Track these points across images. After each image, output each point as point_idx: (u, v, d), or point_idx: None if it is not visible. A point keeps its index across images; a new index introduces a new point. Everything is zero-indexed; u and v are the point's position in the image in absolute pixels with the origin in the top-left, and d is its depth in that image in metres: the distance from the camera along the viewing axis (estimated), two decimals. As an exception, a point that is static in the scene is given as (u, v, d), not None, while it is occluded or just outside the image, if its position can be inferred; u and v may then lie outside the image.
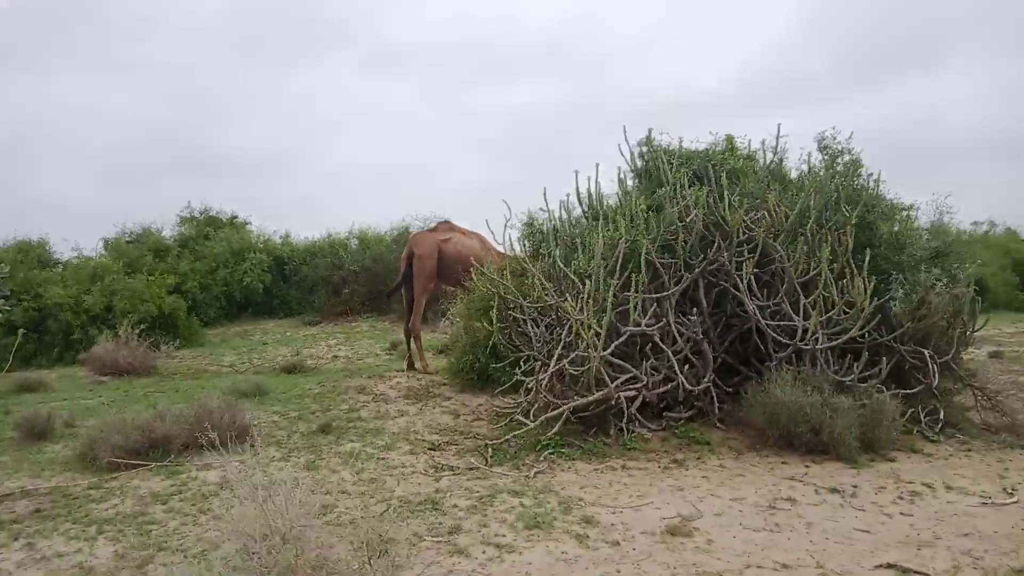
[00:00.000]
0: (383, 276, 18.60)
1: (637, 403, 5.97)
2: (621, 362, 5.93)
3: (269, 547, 2.53)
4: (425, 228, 9.92)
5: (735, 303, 6.61)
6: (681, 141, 7.21)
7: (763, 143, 7.41)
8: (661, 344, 6.00)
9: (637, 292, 5.73)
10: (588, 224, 6.76)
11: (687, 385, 5.94)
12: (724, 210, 6.12)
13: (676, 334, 6.07)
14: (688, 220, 6.18)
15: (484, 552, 3.76)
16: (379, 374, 9.04)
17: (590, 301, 5.84)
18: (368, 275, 18.57)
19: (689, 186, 6.61)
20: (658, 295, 6.12)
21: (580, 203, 7.09)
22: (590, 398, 5.76)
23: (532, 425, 5.76)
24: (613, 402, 5.81)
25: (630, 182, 7.47)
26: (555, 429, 5.73)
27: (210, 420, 5.98)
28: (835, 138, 8.50)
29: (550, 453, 5.57)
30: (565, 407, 5.76)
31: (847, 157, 8.12)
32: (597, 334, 5.67)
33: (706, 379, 6.22)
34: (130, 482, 5.18)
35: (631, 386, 5.94)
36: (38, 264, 16.12)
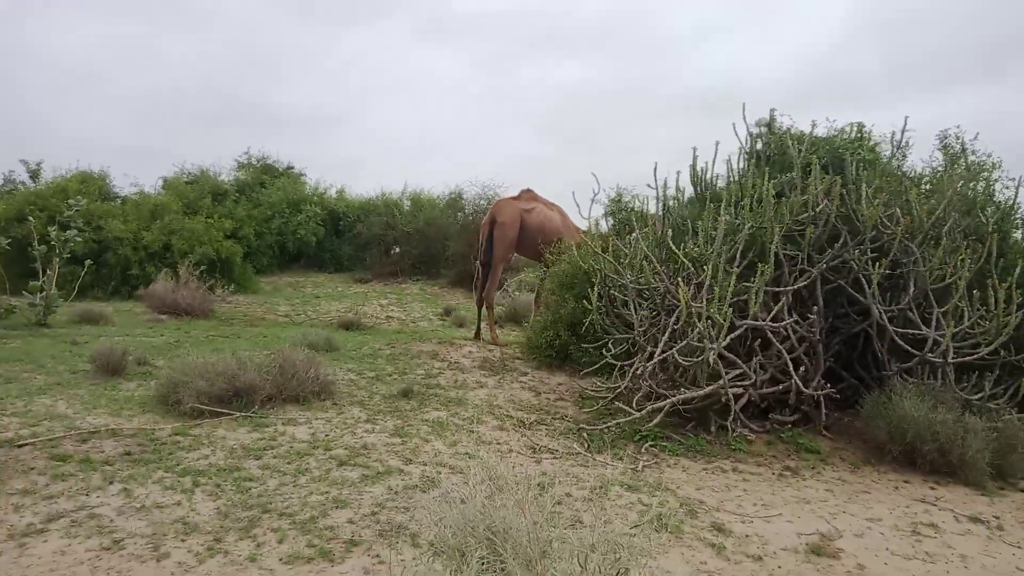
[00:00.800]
0: (436, 240, 18.36)
1: (743, 401, 5.60)
2: (734, 357, 5.55)
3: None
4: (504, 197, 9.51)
5: (848, 304, 6.17)
6: (813, 125, 6.69)
7: (891, 136, 6.87)
8: (775, 342, 5.60)
9: (760, 284, 5.32)
10: (702, 207, 6.33)
11: (801, 387, 5.55)
12: (860, 203, 5.65)
13: (791, 333, 5.66)
14: (819, 210, 5.72)
15: (615, 552, 3.45)
16: (448, 340, 8.76)
17: (707, 289, 5.45)
18: (421, 238, 18.30)
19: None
20: (776, 289, 5.70)
21: (695, 183, 6.66)
22: (700, 392, 5.40)
23: (637, 414, 5.42)
24: (722, 399, 5.45)
25: (737, 164, 6.99)
26: (656, 420, 5.39)
27: (295, 373, 5.75)
28: (958, 137, 7.94)
29: (651, 445, 5.24)
30: (672, 398, 5.42)
31: (971, 158, 7.58)
32: (714, 324, 5.29)
33: (814, 383, 5.82)
34: (215, 431, 4.96)
35: (739, 383, 5.56)
36: (99, 196, 16.09)
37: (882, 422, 5.26)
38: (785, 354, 5.57)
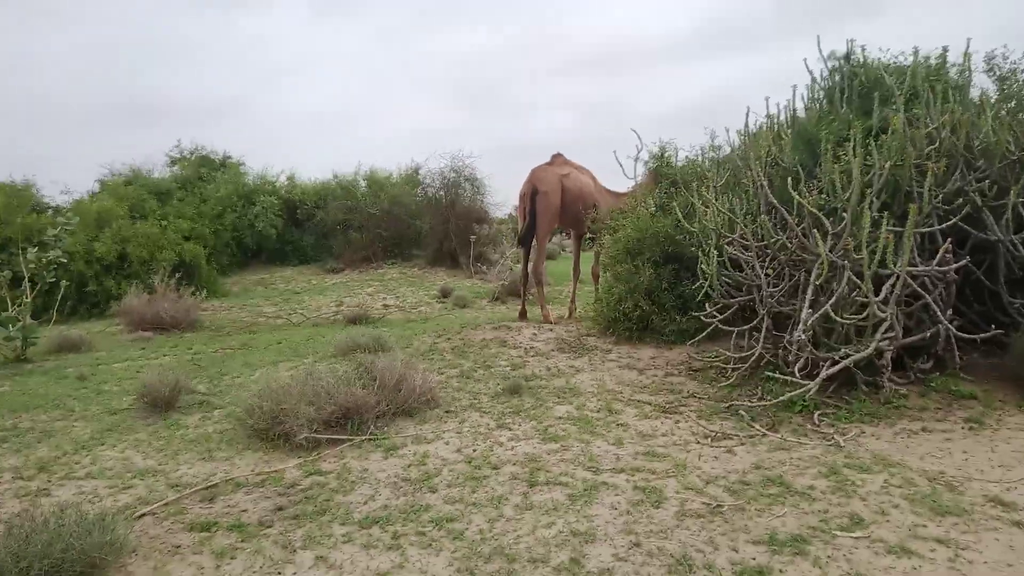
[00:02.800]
0: (403, 220, 17.50)
1: (890, 354, 5.25)
2: (882, 307, 5.16)
3: None
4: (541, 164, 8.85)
5: (959, 244, 5.89)
6: (893, 55, 6.32)
7: (988, 60, 6.57)
8: (920, 290, 5.25)
9: (911, 228, 4.92)
10: (802, 150, 5.88)
11: (953, 331, 5.24)
12: (985, 131, 5.32)
13: (932, 277, 5.32)
14: (943, 144, 5.37)
15: (933, 551, 2.99)
16: (501, 324, 8.11)
17: (844, 238, 5.04)
18: (389, 219, 17.37)
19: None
20: (923, 230, 5.33)
21: (777, 127, 6.21)
22: (868, 350, 4.98)
23: (810, 384, 4.96)
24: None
25: (816, 102, 6.59)
26: (813, 388, 4.96)
27: (402, 384, 5.04)
28: (1006, 57, 7.77)
29: (820, 415, 4.82)
30: (846, 360, 4.99)
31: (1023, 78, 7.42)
32: (861, 277, 4.88)
33: (944, 324, 5.52)
34: (346, 463, 4.23)
35: (887, 335, 5.19)
36: (32, 208, 14.37)
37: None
38: (932, 302, 5.23)
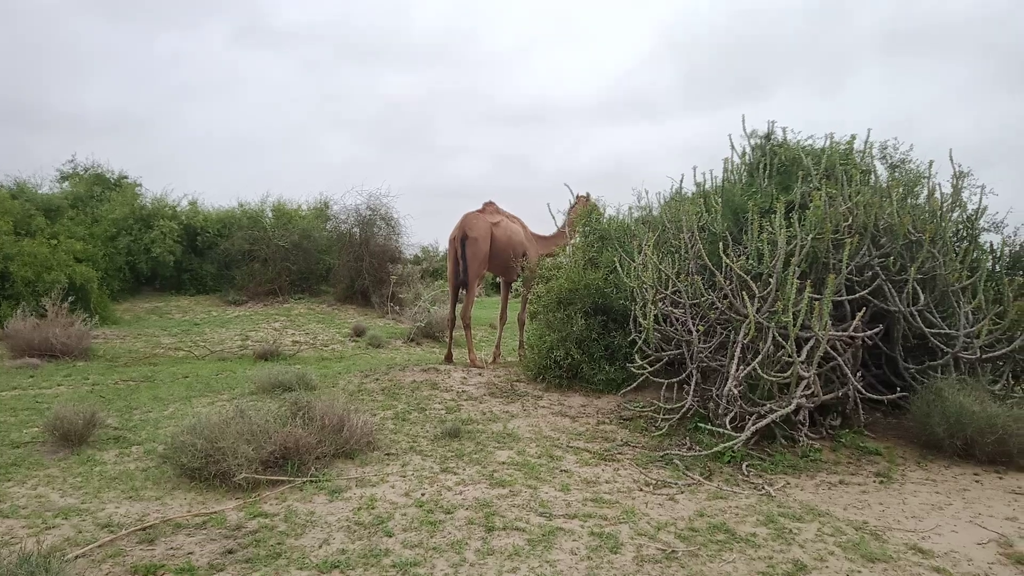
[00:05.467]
0: (312, 254, 17.13)
1: (805, 411, 5.65)
2: (803, 367, 5.57)
3: None
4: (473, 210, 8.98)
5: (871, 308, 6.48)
6: (804, 137, 6.94)
7: (881, 149, 7.32)
8: (832, 351, 5.71)
9: (829, 295, 5.38)
10: (729, 219, 6.32)
11: (861, 391, 5.71)
12: (893, 213, 5.92)
13: (842, 341, 5.81)
14: (856, 221, 5.92)
15: (871, 593, 3.24)
16: (429, 366, 8.08)
17: (770, 302, 5.44)
18: (298, 252, 16.94)
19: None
20: (839, 298, 5.81)
21: (706, 196, 6.65)
22: (789, 407, 5.35)
23: (738, 436, 5.25)
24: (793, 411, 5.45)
25: (736, 176, 7.12)
26: (740, 440, 5.27)
27: (343, 426, 4.96)
28: (896, 148, 8.67)
29: (748, 466, 5.11)
30: (774, 415, 5.32)
31: (910, 166, 8.30)
32: (786, 338, 5.28)
33: (853, 385, 6.02)
34: (289, 505, 4.10)
35: (805, 393, 5.60)
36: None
37: (938, 418, 5.53)
38: (842, 363, 5.70)
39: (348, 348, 12.05)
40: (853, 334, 5.50)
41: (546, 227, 9.73)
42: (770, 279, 5.54)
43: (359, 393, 6.90)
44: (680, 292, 5.83)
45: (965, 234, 6.80)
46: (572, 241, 8.23)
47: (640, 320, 5.94)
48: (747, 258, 5.72)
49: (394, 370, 7.90)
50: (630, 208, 7.94)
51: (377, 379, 7.45)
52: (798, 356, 5.28)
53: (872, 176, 6.82)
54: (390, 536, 3.69)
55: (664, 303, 5.96)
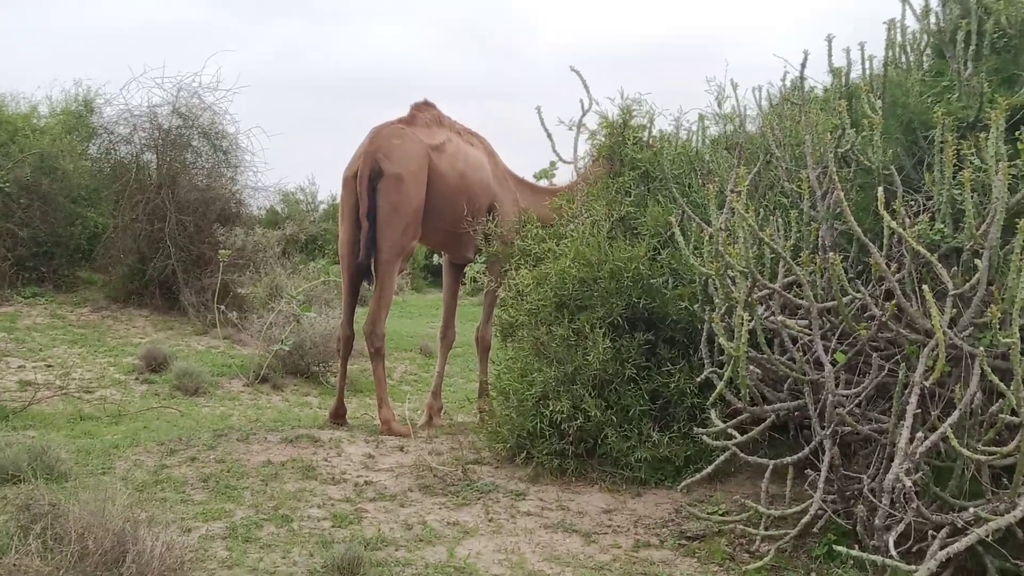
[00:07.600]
0: (63, 207, 9.33)
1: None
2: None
3: None
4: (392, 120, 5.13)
5: None
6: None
7: None
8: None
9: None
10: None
11: None
12: None
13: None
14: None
15: None
16: (306, 434, 4.79)
17: (1003, 307, 2.85)
18: (34, 201, 9.04)
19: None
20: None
21: (852, 96, 4.00)
22: (1018, 510, 2.71)
23: (919, 572, 2.53)
24: None
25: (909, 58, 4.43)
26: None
27: (130, 554, 1.88)
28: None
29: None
30: (981, 528, 2.66)
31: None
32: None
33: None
34: None
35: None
36: None
37: None
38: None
39: (135, 395, 6.85)
40: None
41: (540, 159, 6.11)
42: (976, 260, 3.00)
43: (157, 487, 3.64)
44: (801, 286, 3.17)
45: None
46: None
47: (722, 342, 3.18)
48: (931, 218, 3.17)
49: (229, 440, 4.53)
50: (701, 119, 4.93)
51: (194, 459, 4.12)
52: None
53: None
54: None
55: (769, 308, 3.30)
